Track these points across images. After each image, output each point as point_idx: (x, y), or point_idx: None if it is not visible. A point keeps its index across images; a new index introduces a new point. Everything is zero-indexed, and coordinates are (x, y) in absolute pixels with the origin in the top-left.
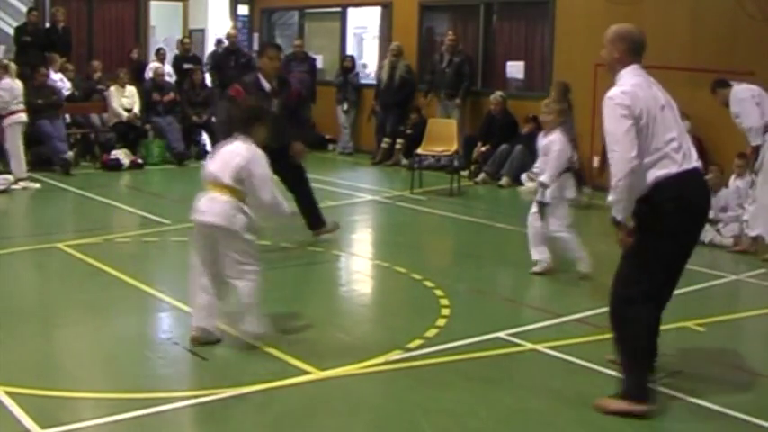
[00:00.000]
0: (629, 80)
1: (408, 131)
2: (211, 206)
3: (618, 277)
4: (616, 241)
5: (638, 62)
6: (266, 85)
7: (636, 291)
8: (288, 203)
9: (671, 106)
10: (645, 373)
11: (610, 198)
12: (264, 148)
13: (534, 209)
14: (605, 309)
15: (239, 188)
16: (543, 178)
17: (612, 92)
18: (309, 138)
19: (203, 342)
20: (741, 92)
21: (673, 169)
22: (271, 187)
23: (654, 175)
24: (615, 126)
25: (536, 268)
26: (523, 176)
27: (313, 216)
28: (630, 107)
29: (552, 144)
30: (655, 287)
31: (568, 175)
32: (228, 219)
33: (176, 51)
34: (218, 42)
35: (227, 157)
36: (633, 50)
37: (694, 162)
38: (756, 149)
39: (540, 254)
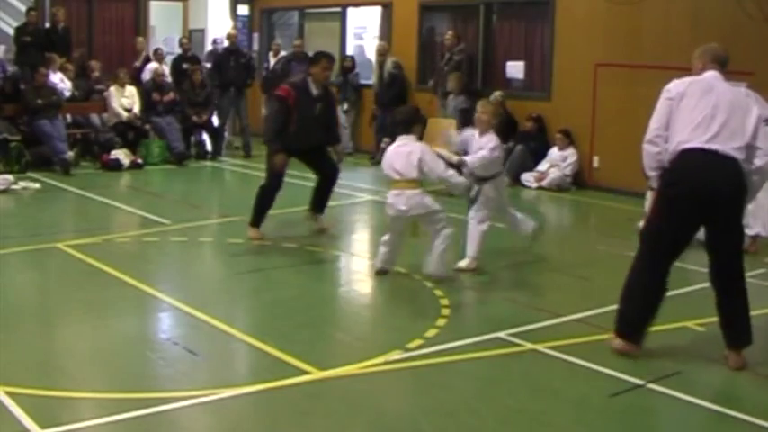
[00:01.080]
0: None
1: None
2: (409, 202)
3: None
4: None
5: (717, 69)
6: (314, 91)
7: (644, 245)
8: (459, 178)
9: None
10: (634, 313)
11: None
12: (300, 148)
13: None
14: (605, 309)
15: (421, 178)
16: (466, 158)
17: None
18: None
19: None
20: None
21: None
22: (443, 165)
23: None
24: (657, 104)
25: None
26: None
27: (322, 201)
28: (670, 90)
29: (488, 143)
30: (657, 248)
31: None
32: (425, 206)
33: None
34: (215, 42)
35: (405, 158)
36: (713, 60)
37: (709, 143)
38: None
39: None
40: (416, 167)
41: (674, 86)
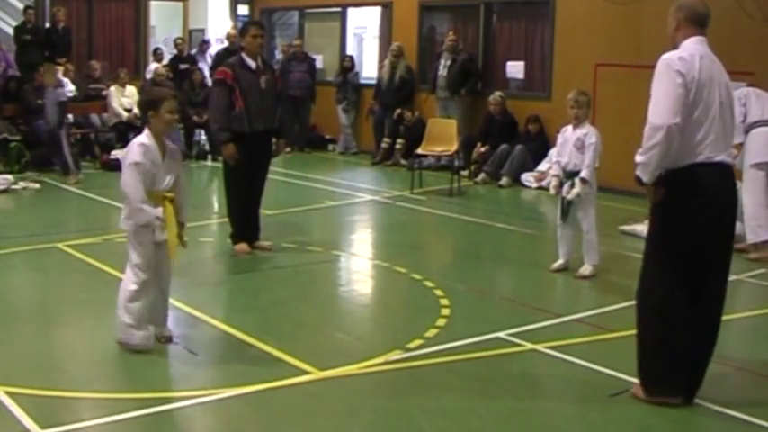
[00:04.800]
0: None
1: (403, 125)
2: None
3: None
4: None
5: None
6: (251, 64)
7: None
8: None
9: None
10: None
11: None
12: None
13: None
14: (605, 309)
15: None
16: (584, 174)
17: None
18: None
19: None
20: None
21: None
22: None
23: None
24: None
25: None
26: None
27: (256, 227)
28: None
29: (587, 137)
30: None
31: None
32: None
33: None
34: (204, 43)
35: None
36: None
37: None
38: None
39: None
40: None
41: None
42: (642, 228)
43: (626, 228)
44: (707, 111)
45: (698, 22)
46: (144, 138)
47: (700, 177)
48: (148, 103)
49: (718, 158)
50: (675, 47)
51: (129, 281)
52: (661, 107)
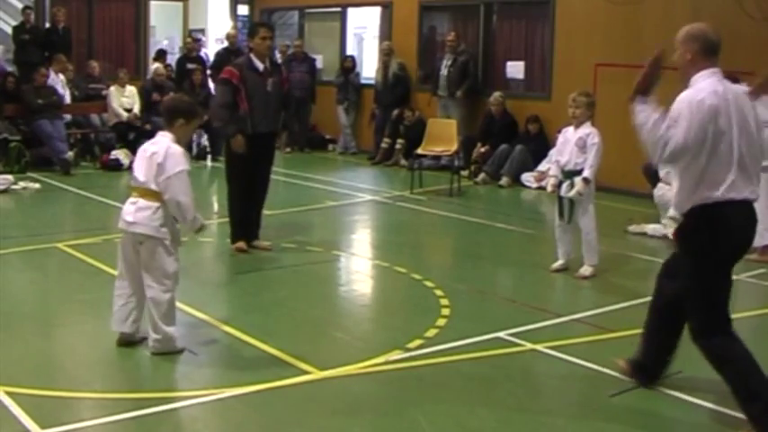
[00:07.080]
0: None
1: (403, 125)
2: (137, 214)
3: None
4: None
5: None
6: (259, 65)
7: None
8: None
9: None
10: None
11: None
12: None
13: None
14: (605, 309)
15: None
16: (587, 174)
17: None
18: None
19: None
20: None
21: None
22: (186, 192)
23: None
24: None
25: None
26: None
27: (257, 227)
28: None
29: (589, 137)
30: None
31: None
32: (152, 227)
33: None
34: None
35: (147, 161)
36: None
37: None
38: None
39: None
40: (155, 176)
41: None
42: (652, 227)
43: (634, 228)
44: (730, 149)
45: (714, 53)
46: (178, 145)
47: (726, 216)
48: (185, 113)
49: (742, 196)
50: (687, 79)
51: (160, 291)
52: (682, 127)
